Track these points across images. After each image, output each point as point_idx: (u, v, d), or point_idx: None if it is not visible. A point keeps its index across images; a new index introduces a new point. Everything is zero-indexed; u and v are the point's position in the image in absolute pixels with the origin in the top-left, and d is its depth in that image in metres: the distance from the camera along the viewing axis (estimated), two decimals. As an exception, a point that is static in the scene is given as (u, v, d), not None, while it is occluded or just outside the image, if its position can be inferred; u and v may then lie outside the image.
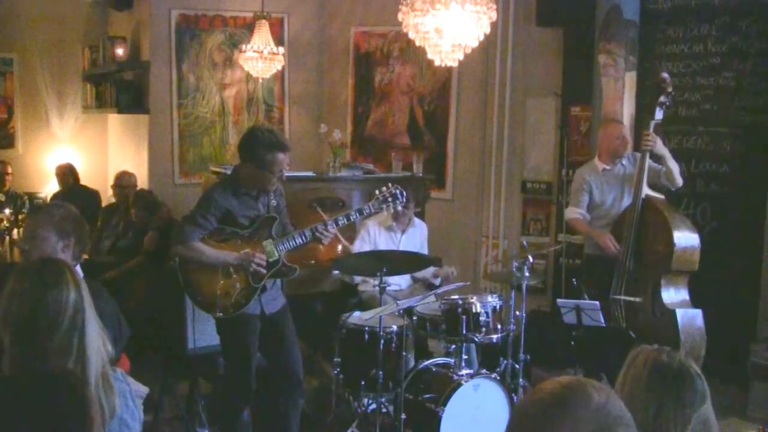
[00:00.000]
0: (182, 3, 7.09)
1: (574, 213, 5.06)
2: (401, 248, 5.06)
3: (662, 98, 4.72)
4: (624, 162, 5.01)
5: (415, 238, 5.27)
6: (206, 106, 7.29)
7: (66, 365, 1.97)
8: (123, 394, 2.17)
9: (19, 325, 2.04)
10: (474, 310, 4.20)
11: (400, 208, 4.16)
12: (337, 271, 5.28)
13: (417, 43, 3.72)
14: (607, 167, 5.03)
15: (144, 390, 2.40)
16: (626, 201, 4.93)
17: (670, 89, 4.72)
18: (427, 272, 5.19)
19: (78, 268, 2.70)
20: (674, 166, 4.87)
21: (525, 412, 1.34)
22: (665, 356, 1.89)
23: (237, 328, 3.83)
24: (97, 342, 2.08)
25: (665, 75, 4.78)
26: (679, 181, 4.91)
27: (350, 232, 5.61)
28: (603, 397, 1.30)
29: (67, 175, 7.51)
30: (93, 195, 7.47)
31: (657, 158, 4.89)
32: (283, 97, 7.62)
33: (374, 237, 5.13)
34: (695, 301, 4.69)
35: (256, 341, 3.87)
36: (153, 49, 7.05)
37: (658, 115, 4.76)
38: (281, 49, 6.32)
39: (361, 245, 5.10)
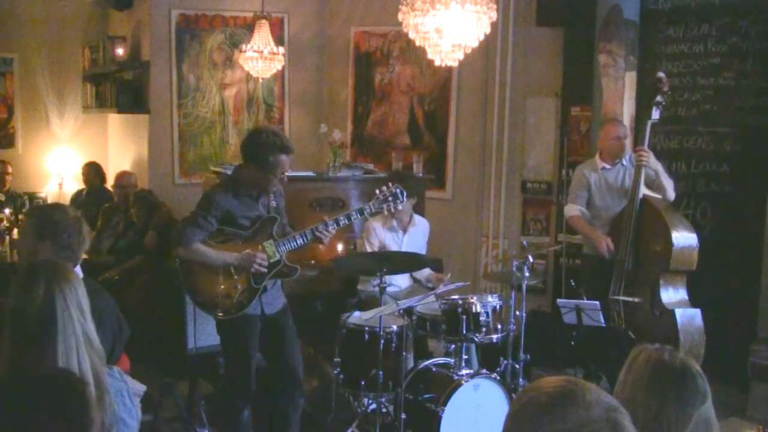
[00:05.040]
0: (182, 3, 7.08)
1: (574, 210, 5.05)
2: (404, 248, 5.03)
3: (658, 98, 4.69)
4: (624, 162, 5.00)
5: (417, 237, 5.24)
6: (206, 106, 7.29)
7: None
8: (120, 393, 2.17)
9: (18, 325, 2.04)
10: (474, 310, 4.20)
11: (400, 207, 4.16)
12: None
13: (417, 43, 3.72)
14: (607, 166, 5.02)
15: (141, 388, 2.40)
16: (623, 204, 4.91)
17: (666, 89, 4.70)
18: (422, 274, 5.17)
19: (78, 269, 2.69)
20: (668, 184, 4.85)
21: (531, 405, 1.36)
22: (667, 355, 1.88)
23: (237, 329, 3.82)
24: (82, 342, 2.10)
25: (661, 74, 4.77)
26: (671, 197, 4.89)
27: (350, 232, 5.61)
28: (597, 388, 1.39)
29: (92, 175, 7.35)
30: (111, 199, 7.37)
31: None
32: (283, 97, 7.62)
33: (381, 237, 5.12)
34: (695, 301, 4.69)
35: (257, 341, 3.87)
36: (153, 49, 7.05)
37: (655, 114, 4.74)
38: (281, 49, 6.32)
39: (370, 247, 5.07)
